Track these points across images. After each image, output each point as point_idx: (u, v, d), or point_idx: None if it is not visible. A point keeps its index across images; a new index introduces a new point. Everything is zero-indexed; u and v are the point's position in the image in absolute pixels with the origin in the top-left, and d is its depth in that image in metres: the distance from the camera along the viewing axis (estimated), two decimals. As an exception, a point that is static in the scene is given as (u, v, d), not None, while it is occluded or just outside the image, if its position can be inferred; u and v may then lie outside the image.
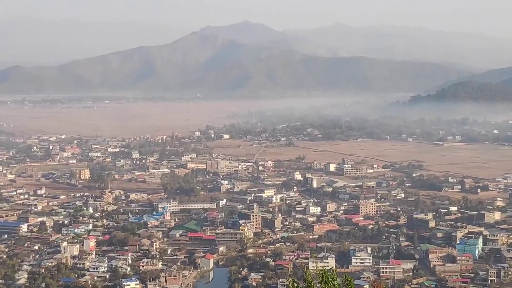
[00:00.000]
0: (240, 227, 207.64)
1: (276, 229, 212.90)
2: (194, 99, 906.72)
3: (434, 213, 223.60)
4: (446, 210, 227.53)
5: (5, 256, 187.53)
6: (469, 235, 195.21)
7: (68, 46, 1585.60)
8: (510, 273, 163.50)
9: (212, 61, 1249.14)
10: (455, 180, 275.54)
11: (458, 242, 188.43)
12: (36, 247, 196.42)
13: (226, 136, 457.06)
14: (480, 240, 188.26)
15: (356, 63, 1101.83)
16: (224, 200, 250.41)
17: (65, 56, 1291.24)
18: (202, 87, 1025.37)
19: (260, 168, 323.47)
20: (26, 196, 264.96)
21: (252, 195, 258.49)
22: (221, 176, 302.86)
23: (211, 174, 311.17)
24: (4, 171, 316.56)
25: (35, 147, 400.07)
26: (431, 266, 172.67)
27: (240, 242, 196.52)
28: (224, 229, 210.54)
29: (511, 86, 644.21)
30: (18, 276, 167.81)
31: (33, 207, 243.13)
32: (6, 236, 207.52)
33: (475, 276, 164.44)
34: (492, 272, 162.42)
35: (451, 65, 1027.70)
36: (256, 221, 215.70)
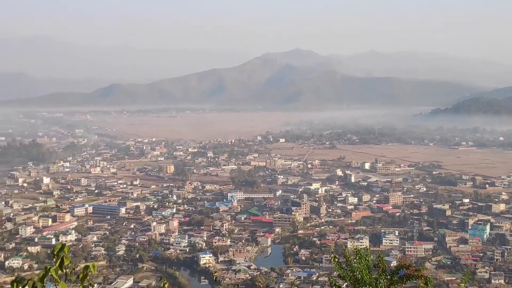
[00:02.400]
0: (293, 213, 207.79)
1: (321, 215, 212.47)
2: (257, 110, 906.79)
3: (450, 204, 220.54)
4: (460, 201, 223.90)
5: (108, 232, 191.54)
6: (478, 222, 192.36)
7: (156, 68, 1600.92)
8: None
9: (271, 80, 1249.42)
10: (467, 178, 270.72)
11: (469, 227, 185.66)
12: (132, 226, 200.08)
13: (282, 140, 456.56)
14: (488, 226, 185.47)
15: (387, 82, 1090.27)
16: (280, 191, 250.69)
17: (154, 76, 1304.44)
18: (263, 101, 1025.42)
19: (309, 165, 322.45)
20: (124, 185, 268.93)
21: (302, 187, 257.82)
22: (277, 172, 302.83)
23: (269, 170, 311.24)
24: (108, 166, 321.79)
25: (132, 147, 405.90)
26: (447, 247, 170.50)
27: (292, 225, 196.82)
28: (280, 214, 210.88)
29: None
30: (118, 248, 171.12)
31: (130, 194, 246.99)
32: (109, 217, 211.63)
33: (483, 256, 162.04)
34: (498, 252, 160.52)
35: (465, 84, 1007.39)
36: (305, 208, 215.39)
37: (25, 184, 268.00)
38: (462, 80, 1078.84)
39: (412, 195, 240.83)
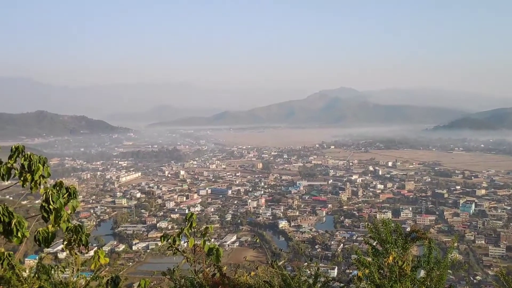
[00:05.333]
0: (340, 195, 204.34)
1: (359, 196, 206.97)
2: (315, 128, 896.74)
3: (447, 189, 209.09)
4: (454, 188, 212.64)
5: (220, 206, 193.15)
6: (467, 202, 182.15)
7: (252, 100, 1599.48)
8: (490, 223, 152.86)
9: (325, 108, 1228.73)
10: (459, 172, 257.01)
11: (460, 205, 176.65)
12: (235, 202, 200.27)
13: (332, 147, 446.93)
14: (473, 205, 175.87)
15: (403, 109, 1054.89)
16: (331, 180, 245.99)
17: (250, 105, 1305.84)
18: (320, 122, 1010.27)
19: (350, 163, 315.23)
20: (230, 176, 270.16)
21: (346, 177, 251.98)
22: (329, 167, 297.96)
23: (324, 166, 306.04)
24: (220, 163, 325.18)
25: (235, 152, 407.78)
26: (445, 218, 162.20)
27: (340, 202, 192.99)
28: (331, 195, 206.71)
29: (491, 121, 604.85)
30: (227, 216, 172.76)
31: (234, 182, 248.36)
32: (221, 196, 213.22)
33: (470, 224, 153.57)
34: (480, 222, 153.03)
35: (457, 108, 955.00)
36: (348, 192, 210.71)
37: (169, 175, 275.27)
38: (455, 106, 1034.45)
39: (421, 183, 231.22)
